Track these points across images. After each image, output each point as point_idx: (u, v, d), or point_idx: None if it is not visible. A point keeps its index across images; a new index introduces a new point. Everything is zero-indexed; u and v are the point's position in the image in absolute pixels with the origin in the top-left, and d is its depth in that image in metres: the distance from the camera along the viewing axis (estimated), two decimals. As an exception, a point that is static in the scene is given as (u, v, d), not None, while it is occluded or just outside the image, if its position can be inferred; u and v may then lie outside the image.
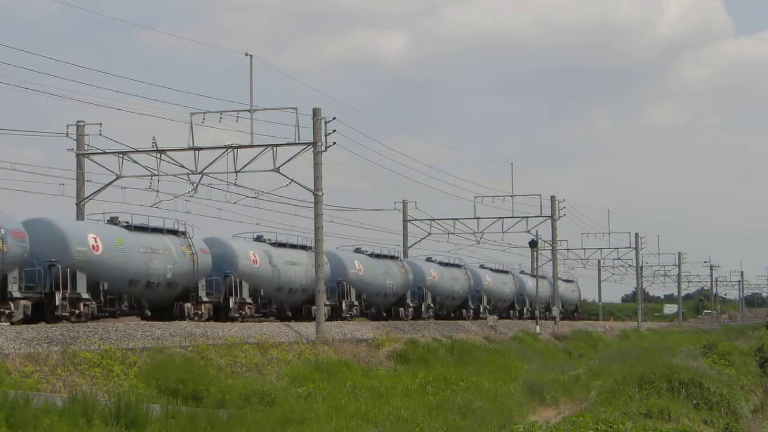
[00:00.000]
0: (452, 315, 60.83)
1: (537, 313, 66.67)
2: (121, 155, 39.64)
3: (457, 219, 66.98)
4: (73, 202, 39.69)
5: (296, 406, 22.85)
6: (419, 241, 65.92)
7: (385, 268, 53.21)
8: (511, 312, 72.21)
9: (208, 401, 23.29)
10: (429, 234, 66.28)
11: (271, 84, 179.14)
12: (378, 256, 54.33)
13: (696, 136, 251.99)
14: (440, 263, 60.92)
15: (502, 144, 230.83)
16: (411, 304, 55.68)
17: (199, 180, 39.79)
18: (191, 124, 39.01)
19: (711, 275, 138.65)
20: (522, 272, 77.00)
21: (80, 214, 39.14)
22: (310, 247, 43.75)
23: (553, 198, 70.38)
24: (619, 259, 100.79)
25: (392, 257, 54.99)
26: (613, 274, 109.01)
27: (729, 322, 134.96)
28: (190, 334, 31.16)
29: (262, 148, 38.94)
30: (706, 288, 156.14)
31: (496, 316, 63.85)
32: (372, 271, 52.01)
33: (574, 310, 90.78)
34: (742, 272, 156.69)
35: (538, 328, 62.79)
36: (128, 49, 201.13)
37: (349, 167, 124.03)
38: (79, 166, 39.72)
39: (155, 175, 39.57)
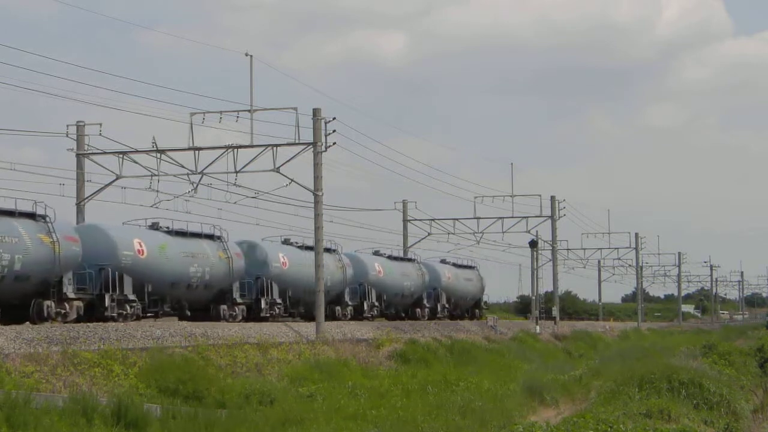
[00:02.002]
0: (402, 315, 56.65)
1: (536, 312, 66.63)
2: (121, 155, 39.65)
3: (457, 219, 67.01)
4: (73, 202, 39.68)
5: (296, 407, 22.86)
6: (419, 241, 66.00)
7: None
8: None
9: (208, 401, 23.29)
10: (429, 234, 66.30)
11: (271, 84, 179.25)
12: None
13: (696, 136, 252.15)
14: (389, 257, 56.60)
15: (502, 144, 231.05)
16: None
17: (199, 180, 39.82)
18: (191, 124, 39.06)
19: (711, 275, 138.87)
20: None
21: (80, 215, 39.16)
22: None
23: (553, 198, 70.42)
24: (619, 259, 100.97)
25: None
26: (613, 274, 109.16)
27: (729, 322, 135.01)
28: (190, 334, 31.16)
29: (262, 148, 38.95)
30: (706, 288, 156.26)
31: (496, 317, 63.84)
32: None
33: (474, 306, 67.73)
34: (742, 272, 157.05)
35: (538, 328, 62.79)
36: (128, 49, 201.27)
37: (349, 167, 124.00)
38: (79, 166, 39.73)
39: (155, 175, 39.60)
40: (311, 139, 38.32)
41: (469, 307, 65.68)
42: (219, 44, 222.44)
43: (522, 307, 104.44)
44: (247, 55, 40.52)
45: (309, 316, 44.55)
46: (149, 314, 36.82)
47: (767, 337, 57.48)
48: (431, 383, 28.79)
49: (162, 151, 39.25)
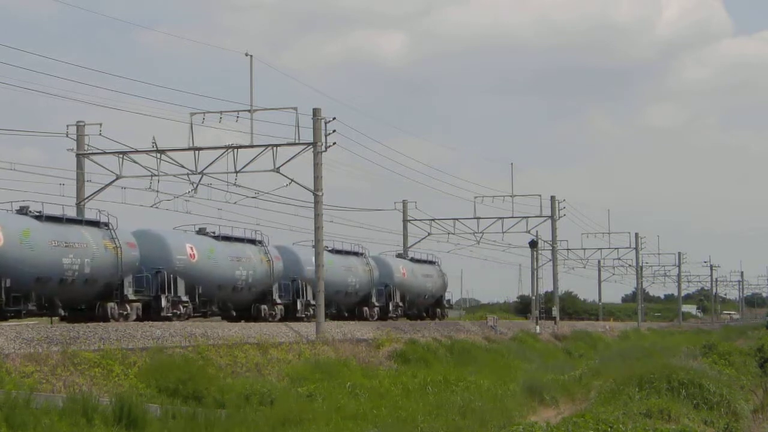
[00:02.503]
0: (345, 314, 50.03)
1: (536, 312, 66.63)
2: (121, 155, 39.62)
3: (457, 219, 66.97)
4: (73, 202, 39.66)
5: (296, 407, 22.85)
6: (419, 241, 65.96)
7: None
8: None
9: (208, 401, 23.28)
10: (429, 234, 66.28)
11: (271, 84, 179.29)
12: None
13: (696, 136, 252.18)
14: (332, 250, 49.38)
15: (502, 144, 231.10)
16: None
17: (199, 180, 39.80)
18: (191, 124, 39.03)
19: (711, 275, 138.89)
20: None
21: (80, 214, 39.12)
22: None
23: (553, 198, 70.43)
24: (619, 259, 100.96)
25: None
26: (613, 274, 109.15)
27: (729, 322, 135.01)
28: (190, 334, 31.16)
29: (262, 148, 38.93)
30: (706, 288, 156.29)
31: (496, 317, 63.82)
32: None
33: (435, 305, 61.18)
34: (742, 272, 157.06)
35: (538, 328, 62.80)
36: (128, 49, 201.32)
37: (349, 167, 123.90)
38: (79, 166, 39.71)
39: (155, 175, 39.57)
40: (311, 139, 38.31)
41: (428, 306, 59.88)
42: (219, 44, 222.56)
43: (522, 307, 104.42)
44: (247, 55, 40.53)
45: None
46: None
47: (767, 337, 57.49)
48: (431, 383, 28.80)
49: (162, 151, 39.23)
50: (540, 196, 67.16)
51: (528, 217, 66.35)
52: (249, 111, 38.97)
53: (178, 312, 37.35)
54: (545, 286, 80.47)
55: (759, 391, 33.80)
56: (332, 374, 29.54)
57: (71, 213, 36.26)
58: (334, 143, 38.69)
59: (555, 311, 72.33)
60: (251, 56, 40.37)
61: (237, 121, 39.15)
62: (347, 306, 48.58)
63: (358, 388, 27.04)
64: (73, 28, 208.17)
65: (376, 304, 47.18)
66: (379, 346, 38.27)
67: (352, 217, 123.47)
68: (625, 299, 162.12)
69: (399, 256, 59.13)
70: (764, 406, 30.70)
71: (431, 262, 60.95)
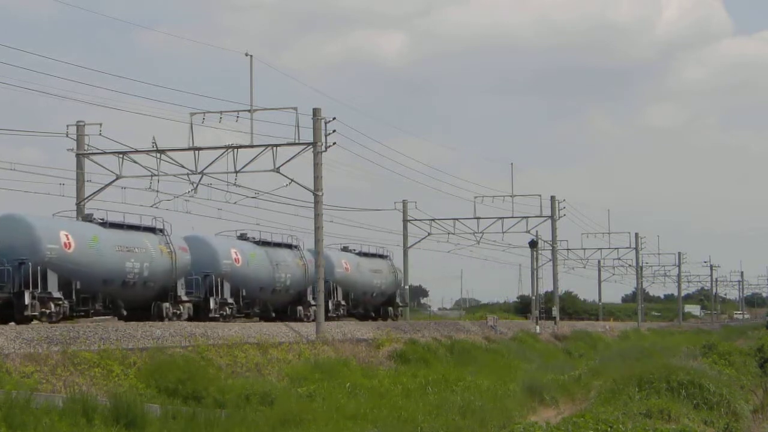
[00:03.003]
0: (273, 315, 44.62)
1: (536, 312, 66.63)
2: (121, 155, 39.61)
3: (457, 219, 66.94)
4: (73, 203, 39.65)
5: (296, 407, 22.84)
6: (419, 241, 65.96)
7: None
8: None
9: (207, 401, 23.28)
10: (429, 234, 66.27)
11: (271, 84, 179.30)
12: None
13: (696, 136, 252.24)
14: (257, 242, 44.85)
15: (502, 144, 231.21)
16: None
17: (199, 180, 39.78)
18: (191, 124, 39.00)
19: (711, 275, 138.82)
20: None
21: (80, 215, 39.12)
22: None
23: (553, 198, 70.41)
24: (619, 259, 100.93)
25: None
26: (613, 274, 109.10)
27: (729, 322, 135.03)
28: (190, 334, 31.14)
29: (262, 148, 38.92)
30: (706, 288, 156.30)
31: (496, 317, 63.74)
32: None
33: (386, 304, 55.93)
34: (742, 272, 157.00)
35: (538, 328, 62.80)
36: (128, 49, 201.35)
37: (349, 167, 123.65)
38: (79, 166, 39.69)
39: (155, 175, 39.56)
40: (311, 139, 38.29)
41: (378, 305, 54.48)
42: (219, 44, 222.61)
43: (522, 307, 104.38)
44: (247, 55, 40.50)
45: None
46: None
47: (767, 337, 57.49)
48: (431, 383, 28.80)
49: (162, 151, 39.22)
50: (540, 196, 67.20)
51: (528, 217, 66.37)
52: (249, 111, 38.95)
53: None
54: (545, 286, 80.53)
55: (759, 391, 33.81)
56: (332, 374, 29.53)
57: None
58: (334, 143, 38.69)
59: (555, 311, 72.31)
60: (251, 56, 40.39)
61: (237, 121, 39.16)
62: (277, 305, 44.85)
63: (358, 388, 27.05)
64: (73, 28, 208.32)
65: (313, 302, 43.15)
66: (379, 346, 38.28)
67: (352, 217, 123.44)
68: (625, 299, 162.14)
69: (345, 249, 53.40)
70: (764, 406, 30.72)
71: (382, 256, 55.83)
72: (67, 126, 39.44)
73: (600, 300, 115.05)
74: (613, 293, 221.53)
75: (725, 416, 25.11)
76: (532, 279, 68.48)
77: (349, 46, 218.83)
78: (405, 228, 65.26)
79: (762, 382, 36.36)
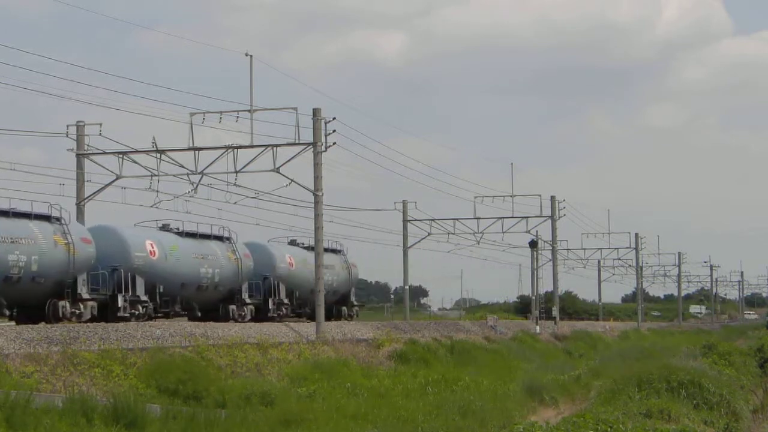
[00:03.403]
0: (199, 315, 39.87)
1: (536, 312, 66.63)
2: (121, 155, 39.59)
3: (457, 219, 66.92)
4: (73, 203, 39.63)
5: (296, 407, 22.85)
6: (419, 241, 65.94)
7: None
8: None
9: (208, 401, 23.28)
10: (429, 234, 66.26)
11: (271, 84, 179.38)
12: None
13: (696, 136, 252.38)
14: (180, 233, 40.67)
15: (502, 144, 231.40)
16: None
17: (199, 180, 39.76)
18: (191, 124, 38.97)
19: (711, 275, 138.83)
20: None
21: (80, 215, 39.13)
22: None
23: (553, 198, 70.40)
24: (619, 259, 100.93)
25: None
26: (613, 274, 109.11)
27: (729, 322, 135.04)
28: (190, 334, 31.14)
29: (262, 148, 38.90)
30: (706, 288, 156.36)
31: (496, 317, 63.73)
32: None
33: (339, 303, 51.84)
34: (742, 272, 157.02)
35: (538, 328, 62.82)
36: (128, 49, 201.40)
37: (349, 167, 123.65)
38: (79, 166, 39.67)
39: (155, 175, 39.54)
40: (311, 139, 38.28)
41: (329, 305, 48.85)
42: (219, 44, 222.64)
43: (522, 307, 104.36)
44: (247, 55, 40.48)
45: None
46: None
47: (767, 337, 57.48)
48: (431, 383, 28.80)
49: (162, 151, 39.21)
50: (540, 196, 67.16)
51: (528, 217, 66.35)
52: (249, 111, 38.93)
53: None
54: (545, 286, 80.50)
55: (759, 391, 33.82)
56: (332, 374, 29.54)
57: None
58: (334, 143, 38.68)
59: (555, 311, 72.30)
60: (251, 56, 40.37)
61: (237, 121, 39.13)
62: (203, 304, 40.55)
63: (358, 388, 27.07)
64: (73, 28, 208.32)
65: (249, 301, 42.70)
66: (379, 346, 38.29)
67: (352, 217, 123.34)
68: (625, 299, 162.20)
69: (293, 243, 49.45)
70: (764, 406, 30.73)
71: (334, 251, 51.38)
72: (67, 126, 39.44)
73: (600, 300, 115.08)
74: (613, 293, 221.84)
75: (725, 416, 25.10)
76: (532, 279, 68.53)
77: (349, 46, 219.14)
78: (405, 228, 65.24)
79: (762, 382, 36.39)
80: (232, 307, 41.85)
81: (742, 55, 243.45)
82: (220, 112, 39.22)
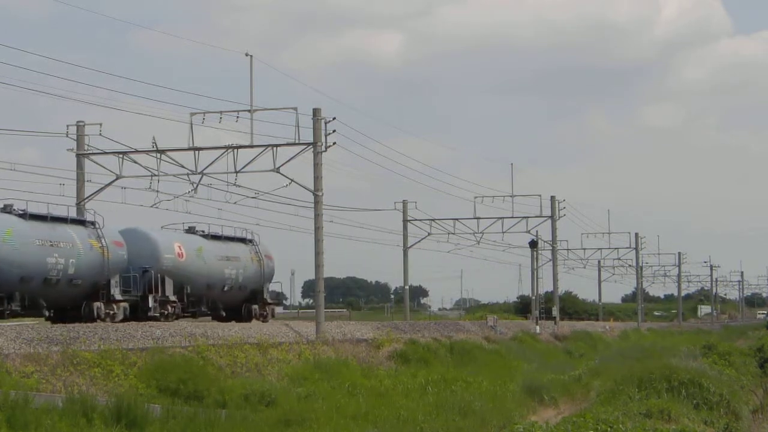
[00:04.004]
0: (47, 314, 33.28)
1: (536, 313, 66.62)
2: (121, 155, 39.57)
3: (457, 219, 66.91)
4: (73, 202, 39.62)
5: (296, 407, 22.85)
6: (419, 241, 65.92)
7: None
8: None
9: (208, 401, 23.28)
10: (429, 234, 66.26)
11: (271, 84, 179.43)
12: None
13: (695, 136, 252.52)
14: (28, 215, 32.09)
15: (502, 144, 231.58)
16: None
17: (199, 180, 39.75)
18: (191, 124, 38.94)
19: (711, 275, 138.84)
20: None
21: (80, 214, 39.11)
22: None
23: (553, 198, 70.39)
24: (619, 259, 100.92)
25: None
26: (613, 274, 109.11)
27: (729, 322, 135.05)
28: (190, 334, 31.14)
29: (262, 148, 38.89)
30: (706, 288, 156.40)
31: (495, 317, 63.67)
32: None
33: (248, 300, 43.54)
34: (742, 272, 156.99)
35: (537, 328, 62.80)
36: (128, 49, 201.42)
37: (349, 167, 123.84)
38: (79, 166, 39.65)
39: (155, 175, 39.52)
40: (311, 139, 38.27)
41: (236, 303, 42.58)
42: (219, 44, 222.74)
43: (522, 307, 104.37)
44: (247, 55, 40.44)
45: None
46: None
47: (767, 338, 57.51)
48: (431, 383, 28.80)
49: (162, 151, 39.20)
50: (540, 196, 67.16)
51: (528, 217, 66.33)
52: (249, 111, 38.92)
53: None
54: (545, 286, 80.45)
55: (759, 391, 33.83)
56: (332, 374, 29.55)
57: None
58: (334, 143, 38.66)
59: (555, 311, 72.29)
60: (251, 56, 40.34)
61: (237, 121, 39.11)
62: (55, 302, 33.04)
63: (358, 388, 27.06)
64: (73, 28, 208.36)
65: (120, 298, 34.71)
66: (379, 347, 38.28)
67: (352, 217, 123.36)
68: (625, 299, 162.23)
69: (190, 230, 41.70)
70: (764, 406, 30.74)
71: (242, 240, 43.94)
72: (67, 126, 39.42)
73: (600, 300, 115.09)
74: (613, 293, 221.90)
75: (725, 416, 25.12)
76: (532, 279, 68.50)
77: (348, 46, 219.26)
78: (405, 228, 65.22)
79: (762, 382, 36.41)
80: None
81: (741, 55, 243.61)
82: (220, 112, 39.21)
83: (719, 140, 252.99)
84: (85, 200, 39.61)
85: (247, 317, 42.56)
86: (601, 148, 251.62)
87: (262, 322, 42.42)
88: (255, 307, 43.43)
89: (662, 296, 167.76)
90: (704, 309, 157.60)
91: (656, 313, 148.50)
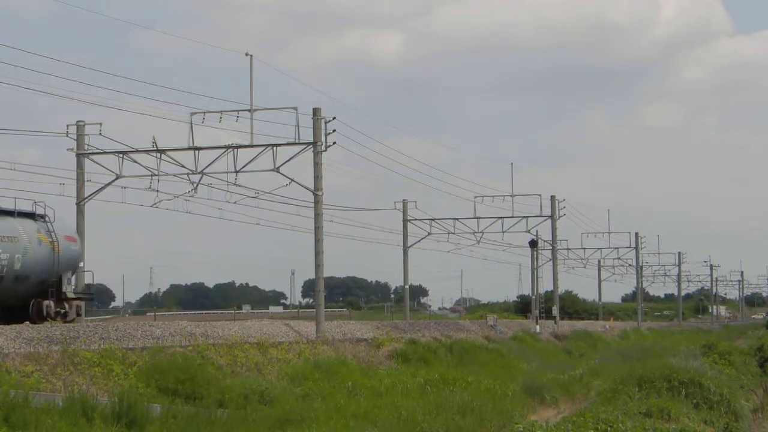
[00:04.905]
0: None
1: (536, 312, 66.62)
2: (121, 155, 39.60)
3: (457, 219, 66.96)
4: (73, 202, 39.65)
5: (296, 406, 22.85)
6: (419, 240, 65.94)
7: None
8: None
9: (208, 401, 23.27)
10: (429, 234, 66.28)
11: (271, 84, 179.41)
12: None
13: (695, 136, 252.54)
14: None
15: (502, 144, 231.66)
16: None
17: (199, 180, 39.79)
18: (191, 124, 38.98)
19: (711, 275, 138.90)
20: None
21: (80, 214, 39.14)
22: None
23: (553, 198, 70.43)
24: (619, 258, 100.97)
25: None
26: (613, 274, 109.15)
27: (729, 321, 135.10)
28: (190, 333, 31.15)
29: (262, 148, 38.92)
30: (706, 288, 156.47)
31: (495, 316, 63.68)
32: None
33: (40, 295, 32.91)
34: (742, 272, 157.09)
35: (538, 327, 62.84)
36: (128, 49, 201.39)
37: (349, 167, 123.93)
38: (79, 166, 39.67)
39: (155, 175, 39.56)
40: (311, 139, 38.30)
41: (15, 298, 32.12)
42: (218, 44, 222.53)
43: (522, 307, 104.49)
44: (247, 55, 40.47)
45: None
46: None
47: (767, 337, 57.51)
48: (431, 383, 28.79)
49: (162, 151, 39.22)
50: (540, 196, 67.26)
51: (528, 216, 66.39)
52: (249, 111, 38.95)
53: None
54: (545, 285, 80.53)
55: (759, 390, 33.82)
56: (332, 374, 29.55)
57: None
58: (334, 143, 38.70)
59: (555, 311, 72.33)
60: (251, 56, 40.37)
61: (237, 120, 39.14)
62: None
63: (357, 387, 27.06)
64: (73, 28, 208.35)
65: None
66: (379, 346, 38.30)
67: (352, 217, 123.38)
68: (625, 299, 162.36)
69: None
70: (764, 406, 30.73)
71: (26, 215, 33.08)
72: (67, 126, 39.44)
73: (600, 300, 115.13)
74: (613, 293, 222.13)
75: (725, 416, 25.10)
76: (532, 279, 68.53)
77: (348, 46, 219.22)
78: (405, 228, 65.24)
79: (762, 382, 36.38)
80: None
81: (741, 54, 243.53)
82: (220, 112, 39.24)
83: (719, 140, 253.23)
84: (86, 200, 39.63)
85: (36, 317, 31.72)
86: (600, 148, 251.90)
87: (62, 322, 31.20)
88: (48, 303, 32.26)
89: (662, 296, 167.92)
90: (721, 310, 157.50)
91: (661, 313, 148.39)
